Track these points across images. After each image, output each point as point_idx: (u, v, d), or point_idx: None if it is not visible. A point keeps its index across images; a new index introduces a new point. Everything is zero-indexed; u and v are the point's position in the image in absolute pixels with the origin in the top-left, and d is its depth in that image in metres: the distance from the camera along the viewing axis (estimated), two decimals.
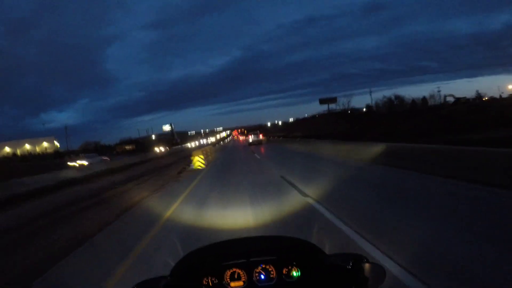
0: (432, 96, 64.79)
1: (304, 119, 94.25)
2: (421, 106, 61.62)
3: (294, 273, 1.03)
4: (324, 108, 74.76)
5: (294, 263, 1.03)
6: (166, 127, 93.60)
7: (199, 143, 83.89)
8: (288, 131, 69.24)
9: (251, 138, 38.76)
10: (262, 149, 26.43)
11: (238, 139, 74.62)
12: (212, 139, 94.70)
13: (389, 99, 69.66)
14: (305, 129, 60.41)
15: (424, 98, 66.31)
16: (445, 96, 61.86)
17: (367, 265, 0.98)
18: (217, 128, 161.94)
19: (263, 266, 1.03)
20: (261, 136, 39.02)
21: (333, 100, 73.01)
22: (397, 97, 69.50)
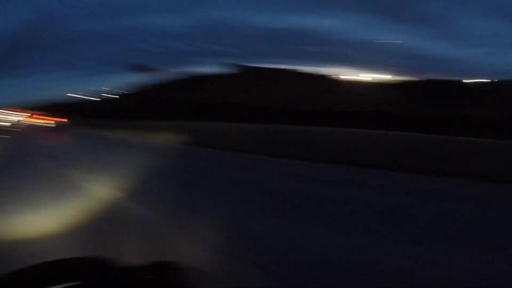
0: None
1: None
2: None
3: None
4: (135, 80, 56.44)
5: (90, 285, 0.92)
6: None
7: None
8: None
9: (51, 124, 26.34)
10: None
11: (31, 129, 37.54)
12: None
13: None
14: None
15: None
16: None
17: (178, 271, 0.95)
18: None
19: None
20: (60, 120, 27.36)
21: (149, 69, 50.61)
22: None
